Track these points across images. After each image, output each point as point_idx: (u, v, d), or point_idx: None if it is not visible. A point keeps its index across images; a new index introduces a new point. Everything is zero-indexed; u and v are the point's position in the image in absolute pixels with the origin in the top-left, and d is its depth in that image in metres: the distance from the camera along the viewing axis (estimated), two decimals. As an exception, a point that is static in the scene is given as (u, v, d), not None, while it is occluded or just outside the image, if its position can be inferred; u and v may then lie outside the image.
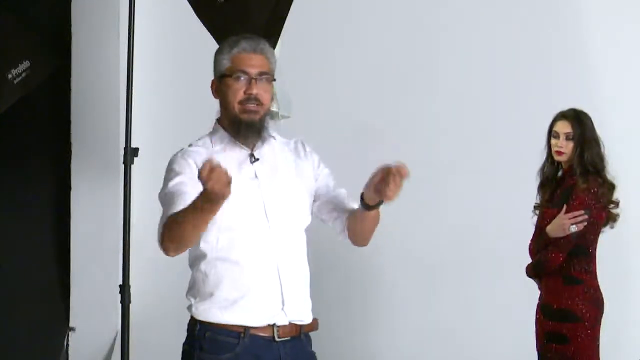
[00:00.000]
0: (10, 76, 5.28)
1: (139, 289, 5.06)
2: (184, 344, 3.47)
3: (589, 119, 4.72)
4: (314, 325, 3.50)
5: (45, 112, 5.94)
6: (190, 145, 3.49)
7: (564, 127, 4.70)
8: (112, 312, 5.54)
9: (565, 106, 4.78)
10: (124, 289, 4.93)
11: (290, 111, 4.96)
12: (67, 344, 5.95)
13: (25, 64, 5.31)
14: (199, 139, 3.51)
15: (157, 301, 5.69)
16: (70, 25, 5.83)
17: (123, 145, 4.98)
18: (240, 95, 3.40)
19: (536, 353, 4.75)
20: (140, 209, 5.41)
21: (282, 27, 4.75)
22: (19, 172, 5.76)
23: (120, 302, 4.93)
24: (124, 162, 4.97)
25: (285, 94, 4.87)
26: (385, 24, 5.89)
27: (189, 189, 3.29)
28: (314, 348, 3.50)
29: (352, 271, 5.86)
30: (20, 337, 5.69)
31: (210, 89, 3.46)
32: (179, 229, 3.23)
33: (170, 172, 3.41)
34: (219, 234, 3.36)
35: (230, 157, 3.41)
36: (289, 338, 3.40)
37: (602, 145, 4.70)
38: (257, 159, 3.44)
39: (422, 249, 5.81)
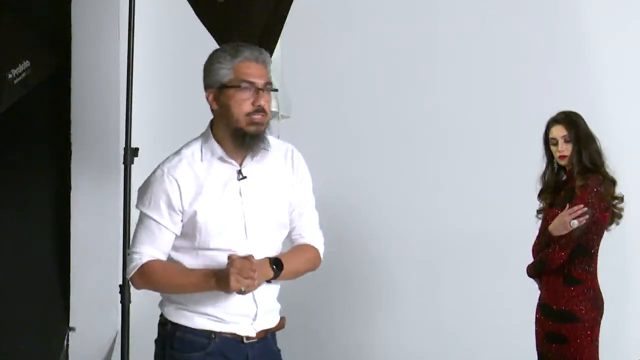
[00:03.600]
0: (10, 76, 5.29)
1: (139, 289, 5.05)
2: (155, 341, 3.49)
3: (580, 117, 4.73)
4: (280, 325, 3.52)
5: (45, 112, 5.94)
6: (178, 152, 3.42)
7: (559, 132, 4.71)
8: (112, 312, 5.54)
9: (567, 106, 4.78)
10: (124, 289, 4.92)
11: (290, 111, 4.96)
12: (67, 344, 5.95)
13: (25, 64, 5.32)
14: (189, 145, 3.43)
15: (157, 301, 5.67)
16: (70, 25, 5.82)
17: (123, 145, 4.98)
18: (247, 106, 3.31)
19: (536, 353, 4.75)
20: (140, 209, 5.43)
21: (282, 27, 4.74)
22: (19, 172, 5.76)
23: (120, 302, 4.93)
24: (124, 162, 4.97)
25: (285, 94, 4.87)
26: (385, 24, 5.89)
27: (160, 232, 3.34)
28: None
29: (354, 270, 5.86)
30: (20, 337, 5.69)
31: (206, 99, 3.36)
32: (166, 285, 3.38)
33: (146, 195, 3.38)
34: (198, 249, 3.35)
35: (218, 172, 3.36)
36: (256, 340, 3.42)
37: (598, 140, 4.71)
38: (245, 177, 3.37)
39: (424, 249, 5.81)
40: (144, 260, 3.36)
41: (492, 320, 5.66)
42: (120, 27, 5.46)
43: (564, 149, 4.69)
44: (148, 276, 3.37)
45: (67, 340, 5.95)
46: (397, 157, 5.85)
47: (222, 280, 3.22)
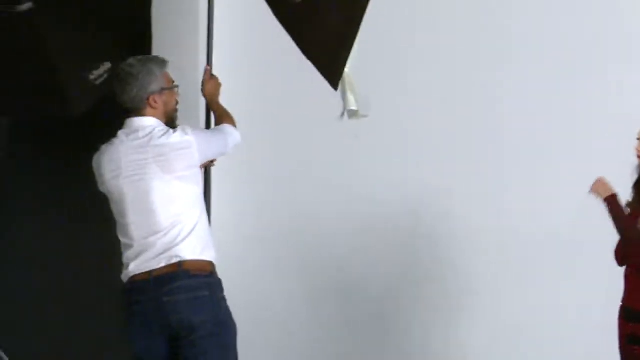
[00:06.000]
0: (92, 77, 5.35)
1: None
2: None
3: None
4: None
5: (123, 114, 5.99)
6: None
7: None
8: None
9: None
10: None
11: (368, 110, 4.95)
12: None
13: (106, 65, 5.38)
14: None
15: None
16: (150, 27, 5.88)
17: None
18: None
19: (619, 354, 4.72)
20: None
21: (359, 26, 4.70)
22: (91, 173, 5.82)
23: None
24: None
25: (363, 93, 4.86)
26: (460, 23, 5.86)
27: None
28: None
29: (429, 270, 5.85)
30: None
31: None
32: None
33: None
34: None
35: None
36: None
37: None
38: None
39: (501, 248, 5.77)
40: None
41: (570, 320, 5.62)
42: (200, 27, 5.50)
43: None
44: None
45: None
46: (473, 157, 5.82)
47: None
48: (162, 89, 4.47)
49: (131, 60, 4.49)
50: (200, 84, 4.93)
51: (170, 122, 4.50)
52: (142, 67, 4.43)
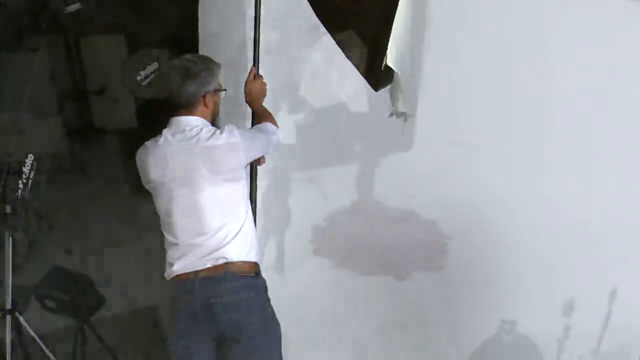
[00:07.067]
0: (139, 78, 5.41)
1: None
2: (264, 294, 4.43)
3: None
4: None
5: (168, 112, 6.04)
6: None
7: None
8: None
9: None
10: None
11: (415, 110, 4.91)
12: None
13: (154, 65, 5.43)
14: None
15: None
16: (197, 28, 5.91)
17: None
18: None
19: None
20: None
21: (392, 26, 4.61)
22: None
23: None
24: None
25: (411, 92, 4.81)
26: (507, 23, 5.80)
27: None
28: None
29: (476, 267, 5.82)
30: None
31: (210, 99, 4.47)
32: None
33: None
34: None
35: None
36: None
37: None
38: None
39: (549, 245, 5.73)
40: None
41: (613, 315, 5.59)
42: (247, 29, 5.51)
43: None
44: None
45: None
46: (520, 153, 5.77)
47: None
48: (216, 90, 4.49)
49: (190, 57, 4.48)
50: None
51: (212, 123, 4.52)
52: (204, 65, 4.45)
